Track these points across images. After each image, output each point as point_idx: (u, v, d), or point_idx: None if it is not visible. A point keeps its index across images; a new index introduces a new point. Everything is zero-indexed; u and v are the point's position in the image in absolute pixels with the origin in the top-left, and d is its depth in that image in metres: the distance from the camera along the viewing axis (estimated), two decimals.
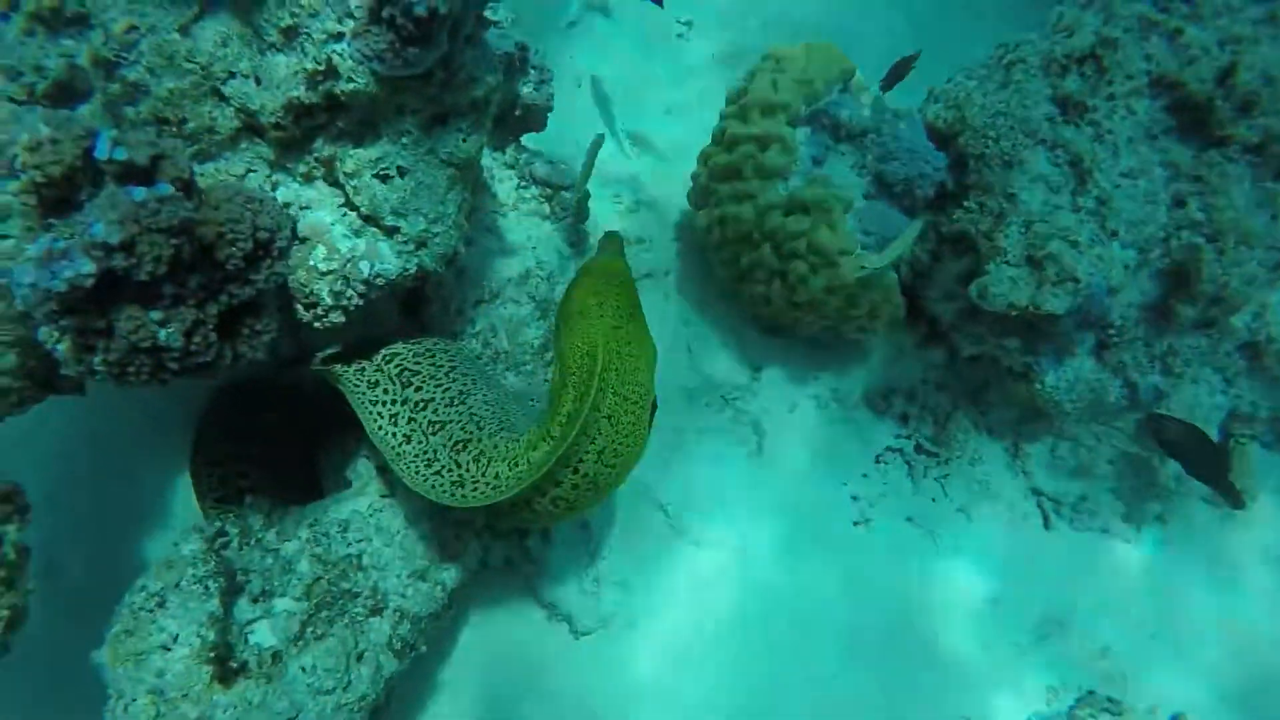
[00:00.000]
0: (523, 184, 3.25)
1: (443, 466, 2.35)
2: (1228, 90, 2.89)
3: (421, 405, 2.45)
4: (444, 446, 2.39)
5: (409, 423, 2.44)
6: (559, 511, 2.38)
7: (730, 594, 3.33)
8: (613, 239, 2.69)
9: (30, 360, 2.25)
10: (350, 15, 2.16)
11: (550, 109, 3.22)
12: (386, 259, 2.41)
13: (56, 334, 1.76)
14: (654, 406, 2.42)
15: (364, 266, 2.37)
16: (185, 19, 2.21)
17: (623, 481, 2.41)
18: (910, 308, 3.48)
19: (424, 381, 2.50)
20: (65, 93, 2.43)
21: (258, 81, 2.29)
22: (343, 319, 2.41)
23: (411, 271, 2.44)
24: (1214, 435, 3.43)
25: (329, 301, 2.36)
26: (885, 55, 4.25)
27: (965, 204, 3.16)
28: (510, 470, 2.33)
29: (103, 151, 1.59)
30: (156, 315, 1.68)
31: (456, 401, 2.50)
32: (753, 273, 3.23)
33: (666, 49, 4.07)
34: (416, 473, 2.35)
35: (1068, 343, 3.18)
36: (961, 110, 3.28)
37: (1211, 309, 3.11)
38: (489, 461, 2.36)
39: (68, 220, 1.87)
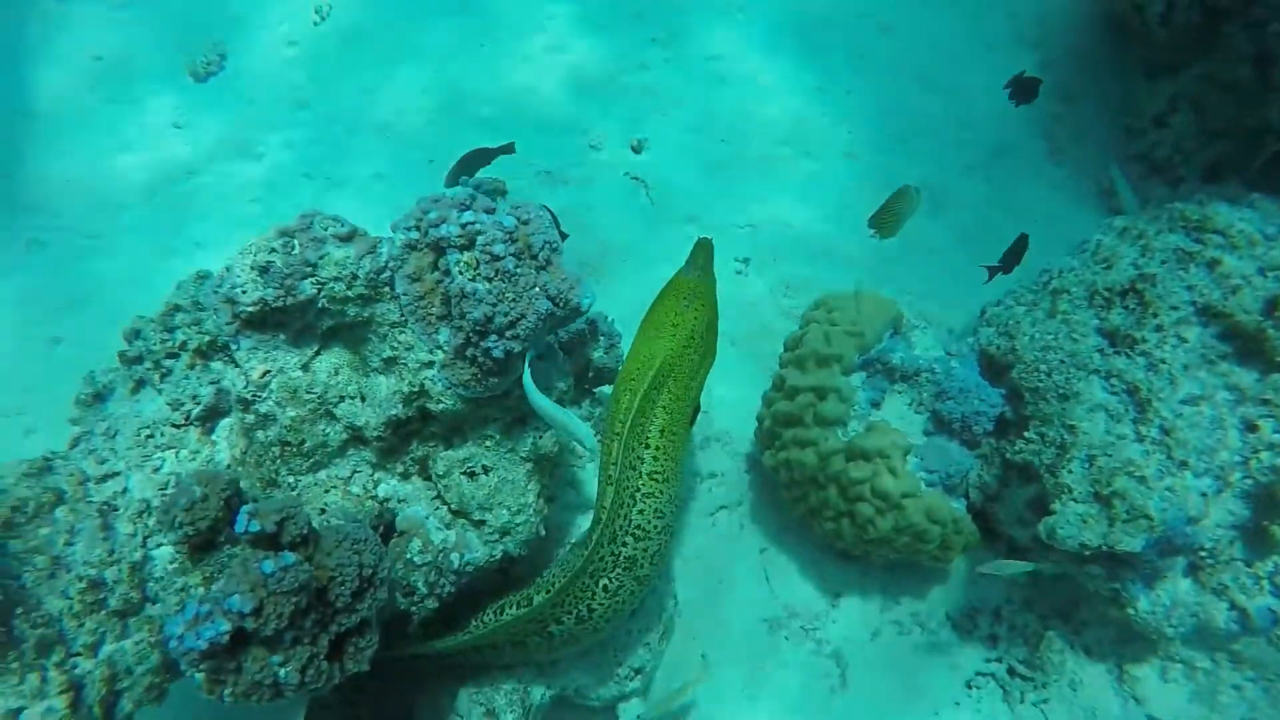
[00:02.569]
0: (600, 437, 3.52)
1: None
2: (1278, 321, 2.93)
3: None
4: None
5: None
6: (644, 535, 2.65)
7: None
8: (703, 248, 2.92)
9: (169, 655, 2.56)
10: (440, 348, 2.53)
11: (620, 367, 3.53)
12: (475, 548, 2.67)
13: (194, 670, 2.02)
14: (697, 410, 2.86)
15: (454, 558, 2.62)
16: (307, 357, 2.63)
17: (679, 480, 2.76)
18: (984, 526, 3.48)
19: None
20: (212, 414, 2.89)
21: (363, 399, 2.67)
22: (436, 605, 2.65)
23: (497, 558, 2.68)
24: None
25: (424, 590, 2.61)
26: (934, 273, 4.49)
27: (1026, 434, 3.22)
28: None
29: (240, 526, 1.91)
30: (277, 659, 1.94)
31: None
32: (821, 511, 3.33)
33: (726, 285, 4.40)
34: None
35: (1155, 569, 3.10)
36: (1013, 339, 3.40)
37: None
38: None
39: (209, 560, 2.21)
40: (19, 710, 2.05)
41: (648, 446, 2.68)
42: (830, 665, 3.51)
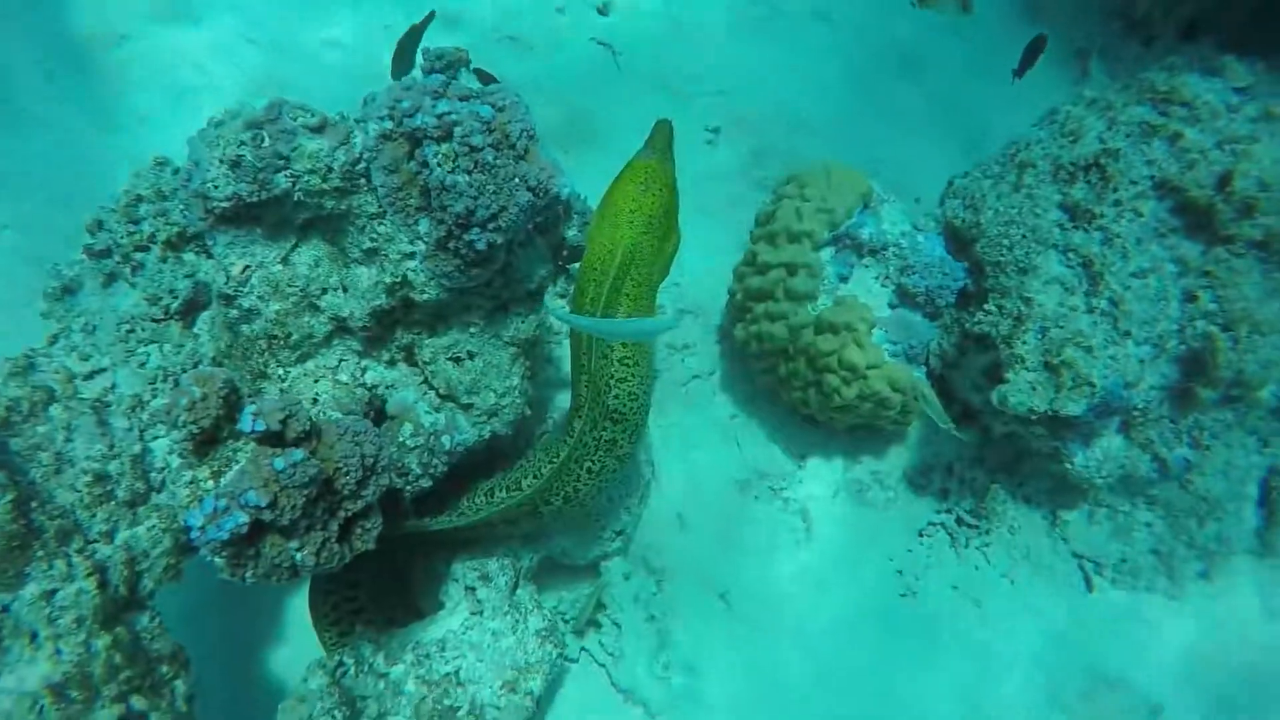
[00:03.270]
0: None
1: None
2: (1227, 196, 3.04)
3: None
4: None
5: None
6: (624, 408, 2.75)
7: (789, 668, 3.63)
8: (661, 129, 2.80)
9: (182, 537, 2.71)
10: (420, 239, 2.54)
11: None
12: (464, 430, 2.79)
13: (215, 557, 2.17)
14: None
15: (445, 440, 2.75)
16: (285, 250, 2.63)
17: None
18: (943, 390, 3.72)
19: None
20: (191, 307, 2.89)
21: (345, 290, 2.69)
22: (430, 484, 2.80)
23: (486, 438, 2.82)
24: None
25: (418, 471, 2.75)
26: (907, 140, 4.48)
27: (985, 307, 3.38)
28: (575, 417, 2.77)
29: (246, 425, 1.99)
30: (294, 545, 2.08)
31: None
32: (790, 381, 3.51)
33: (697, 155, 4.36)
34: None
35: (1092, 429, 3.37)
36: (978, 213, 3.49)
37: (1232, 390, 3.27)
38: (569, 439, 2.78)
39: (215, 455, 2.30)
40: (53, 592, 2.19)
41: None
42: (796, 520, 3.82)
